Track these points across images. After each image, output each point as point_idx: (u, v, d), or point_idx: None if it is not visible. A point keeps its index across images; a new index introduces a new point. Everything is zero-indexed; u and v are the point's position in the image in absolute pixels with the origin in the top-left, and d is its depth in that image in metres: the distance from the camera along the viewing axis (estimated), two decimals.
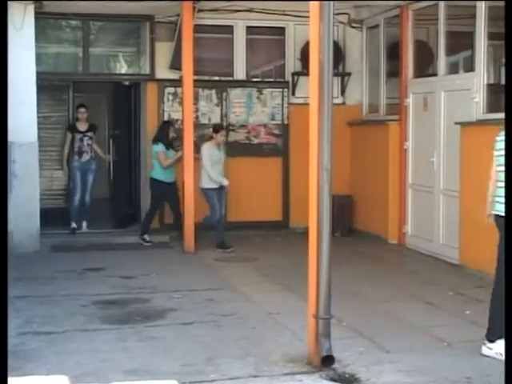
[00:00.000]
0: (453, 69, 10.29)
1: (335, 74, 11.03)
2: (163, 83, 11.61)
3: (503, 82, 8.51)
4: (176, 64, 11.13)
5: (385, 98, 11.58)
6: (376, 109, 11.81)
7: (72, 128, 11.37)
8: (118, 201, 12.37)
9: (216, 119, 11.68)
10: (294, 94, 11.98)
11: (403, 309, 7.23)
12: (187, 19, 10.14)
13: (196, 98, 11.30)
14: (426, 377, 5.28)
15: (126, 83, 12.39)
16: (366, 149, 11.71)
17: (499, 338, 5.53)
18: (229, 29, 11.83)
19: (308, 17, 5.56)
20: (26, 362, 5.50)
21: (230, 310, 7.10)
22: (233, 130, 11.80)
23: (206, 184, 10.39)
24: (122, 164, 12.28)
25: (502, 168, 5.48)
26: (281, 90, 11.99)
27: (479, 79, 8.93)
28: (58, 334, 6.26)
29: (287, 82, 12.03)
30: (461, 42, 10.56)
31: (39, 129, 10.27)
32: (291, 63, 12.04)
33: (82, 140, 11.30)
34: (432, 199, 10.01)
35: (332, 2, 5.34)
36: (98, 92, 14.65)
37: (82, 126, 11.38)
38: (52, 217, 10.89)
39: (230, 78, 11.96)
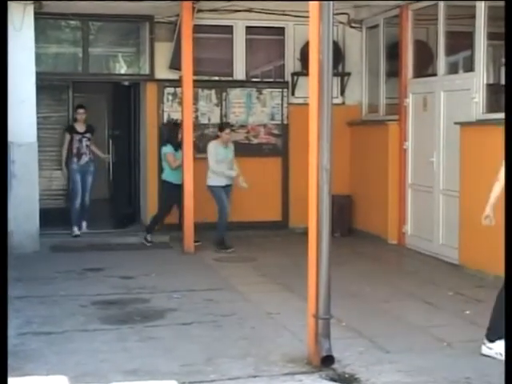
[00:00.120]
0: (452, 69, 10.29)
1: (335, 74, 11.03)
2: (163, 83, 11.61)
3: (503, 81, 8.53)
4: (175, 64, 11.13)
5: (384, 98, 11.57)
6: (376, 109, 11.80)
7: (70, 129, 11.32)
8: (117, 201, 12.38)
9: (216, 119, 11.69)
10: (293, 94, 11.97)
11: (403, 309, 7.23)
12: (187, 19, 10.14)
13: (196, 98, 11.30)
14: (426, 377, 5.28)
15: (126, 83, 12.41)
16: (366, 149, 11.71)
17: (499, 338, 5.53)
18: (228, 29, 11.82)
19: (307, 17, 5.56)
20: (25, 362, 5.50)
21: (230, 310, 7.10)
22: (232, 130, 11.79)
23: (213, 182, 10.42)
24: (122, 164, 12.29)
25: None
26: (280, 90, 11.98)
27: (479, 79, 8.92)
28: (58, 334, 6.26)
29: (287, 82, 12.02)
30: (460, 41, 10.57)
31: (39, 129, 10.25)
32: (291, 63, 12.04)
33: (80, 141, 11.25)
34: (432, 199, 10.01)
35: (332, 2, 5.33)
36: (97, 92, 14.63)
37: (81, 127, 11.33)
38: (51, 217, 10.86)
39: (230, 78, 11.96)
